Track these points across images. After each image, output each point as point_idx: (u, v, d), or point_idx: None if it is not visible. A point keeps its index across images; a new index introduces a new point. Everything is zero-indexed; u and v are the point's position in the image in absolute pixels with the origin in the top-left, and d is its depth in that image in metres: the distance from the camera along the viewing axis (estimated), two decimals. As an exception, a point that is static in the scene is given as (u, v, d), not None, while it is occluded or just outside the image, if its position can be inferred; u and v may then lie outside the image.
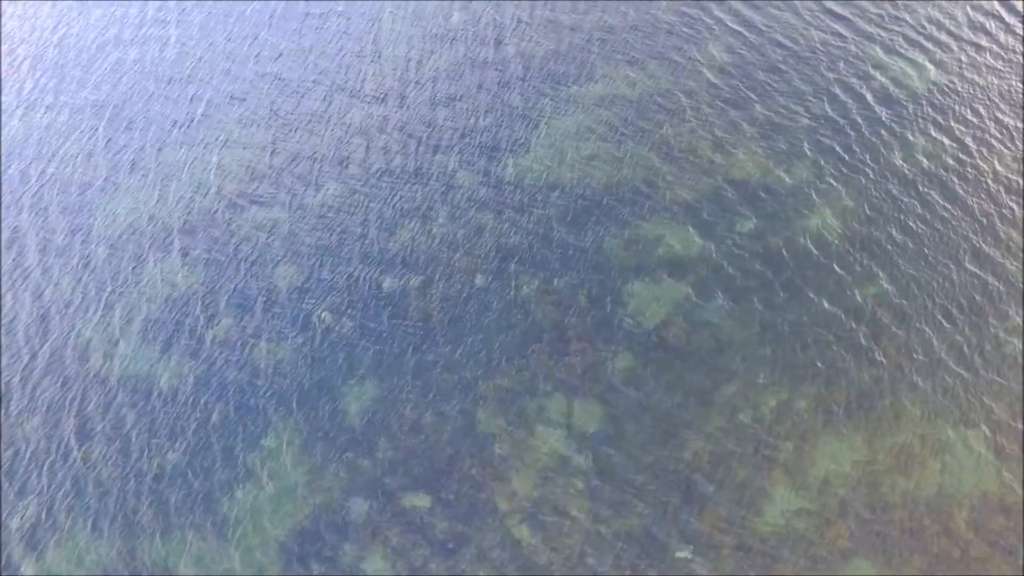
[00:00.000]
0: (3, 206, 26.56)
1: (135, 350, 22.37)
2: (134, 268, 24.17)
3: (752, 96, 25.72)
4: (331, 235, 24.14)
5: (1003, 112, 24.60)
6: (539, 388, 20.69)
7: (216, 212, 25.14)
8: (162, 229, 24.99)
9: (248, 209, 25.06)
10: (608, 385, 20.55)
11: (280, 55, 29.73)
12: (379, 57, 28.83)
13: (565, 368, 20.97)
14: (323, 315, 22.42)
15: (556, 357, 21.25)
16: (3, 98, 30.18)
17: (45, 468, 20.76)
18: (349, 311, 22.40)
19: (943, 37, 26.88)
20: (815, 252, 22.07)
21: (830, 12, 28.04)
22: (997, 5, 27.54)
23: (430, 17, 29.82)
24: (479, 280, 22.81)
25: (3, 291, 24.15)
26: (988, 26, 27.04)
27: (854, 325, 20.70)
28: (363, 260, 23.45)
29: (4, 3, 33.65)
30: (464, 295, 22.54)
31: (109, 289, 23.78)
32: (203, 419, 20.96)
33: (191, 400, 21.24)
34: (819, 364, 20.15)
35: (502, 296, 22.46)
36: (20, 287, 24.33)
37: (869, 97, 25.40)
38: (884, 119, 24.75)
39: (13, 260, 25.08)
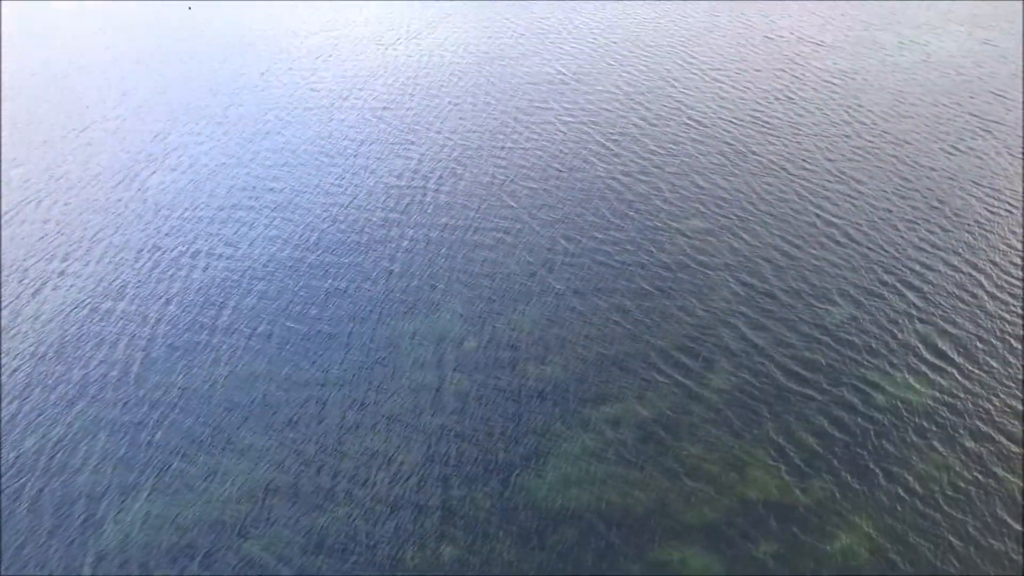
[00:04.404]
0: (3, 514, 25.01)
1: None
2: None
3: (759, 415, 26.28)
4: (339, 559, 22.61)
5: (1004, 425, 25.25)
6: None
7: (225, 528, 23.78)
8: (168, 543, 23.33)
9: (253, 531, 23.70)
10: None
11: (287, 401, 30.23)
12: (395, 379, 29.44)
13: None
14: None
15: None
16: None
17: None
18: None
19: (942, 354, 28.57)
20: (846, 578, 20.91)
21: (828, 331, 29.88)
22: (993, 323, 29.67)
23: (447, 341, 31.11)
24: (490, 612, 20.98)
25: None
26: (986, 344, 28.87)
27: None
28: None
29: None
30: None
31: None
32: None
33: None
34: None
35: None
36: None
37: (876, 413, 26.19)
38: (893, 435, 25.28)
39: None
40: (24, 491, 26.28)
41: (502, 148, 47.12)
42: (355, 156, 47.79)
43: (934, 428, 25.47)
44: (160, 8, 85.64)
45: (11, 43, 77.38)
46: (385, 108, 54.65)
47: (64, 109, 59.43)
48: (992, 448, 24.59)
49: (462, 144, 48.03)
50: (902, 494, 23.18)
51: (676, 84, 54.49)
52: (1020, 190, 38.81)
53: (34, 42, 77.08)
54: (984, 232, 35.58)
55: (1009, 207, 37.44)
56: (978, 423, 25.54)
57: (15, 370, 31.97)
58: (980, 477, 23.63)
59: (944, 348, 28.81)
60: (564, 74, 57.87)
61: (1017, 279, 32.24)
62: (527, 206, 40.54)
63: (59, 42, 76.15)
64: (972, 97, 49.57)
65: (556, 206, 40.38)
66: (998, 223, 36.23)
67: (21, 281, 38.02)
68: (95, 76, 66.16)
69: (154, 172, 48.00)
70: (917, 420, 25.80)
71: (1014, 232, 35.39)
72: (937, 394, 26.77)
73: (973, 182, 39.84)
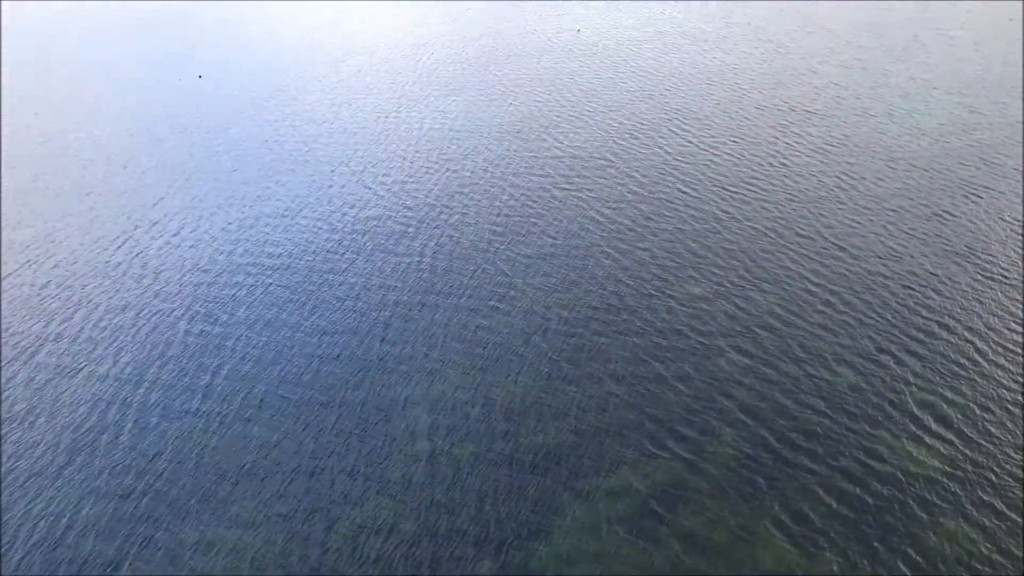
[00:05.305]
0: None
1: None
2: None
3: (760, 488, 25.85)
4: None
5: (1008, 495, 24.78)
6: None
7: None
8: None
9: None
10: None
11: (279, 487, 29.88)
12: (387, 448, 29.05)
13: None
14: None
15: None
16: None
17: None
18: None
19: (941, 423, 28.20)
20: (850, 659, 20.24)
21: (827, 399, 29.54)
22: (992, 390, 29.40)
23: (440, 409, 30.78)
24: None
25: None
26: (985, 411, 28.56)
27: None
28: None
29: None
30: None
31: None
32: None
33: None
34: None
35: None
36: None
37: (878, 484, 25.76)
38: (896, 507, 24.83)
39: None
40: (6, 559, 25.63)
41: (497, 216, 47.51)
42: (352, 222, 48.16)
43: (936, 499, 25.03)
44: (169, 77, 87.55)
45: (14, 102, 78.84)
46: (383, 175, 55.32)
47: (67, 174, 60.12)
48: (996, 519, 24.11)
49: (457, 212, 48.46)
50: (907, 570, 22.61)
51: (669, 153, 55.26)
52: (1015, 256, 38.99)
53: (40, 106, 78.53)
54: (980, 299, 35.61)
55: (1004, 272, 37.55)
56: (981, 494, 25.10)
57: (6, 433, 31.58)
58: (984, 550, 23.10)
59: (943, 417, 28.51)
60: (559, 144, 58.76)
61: (1015, 344, 32.12)
62: (521, 275, 40.65)
63: (66, 105, 77.59)
64: (963, 164, 50.21)
65: (550, 274, 40.49)
66: (994, 288, 36.29)
67: (16, 344, 37.88)
68: (99, 141, 67.16)
69: (153, 237, 48.32)
70: (919, 491, 25.37)
71: (1010, 298, 35.42)
72: (938, 464, 26.38)
73: (968, 248, 40.04)
